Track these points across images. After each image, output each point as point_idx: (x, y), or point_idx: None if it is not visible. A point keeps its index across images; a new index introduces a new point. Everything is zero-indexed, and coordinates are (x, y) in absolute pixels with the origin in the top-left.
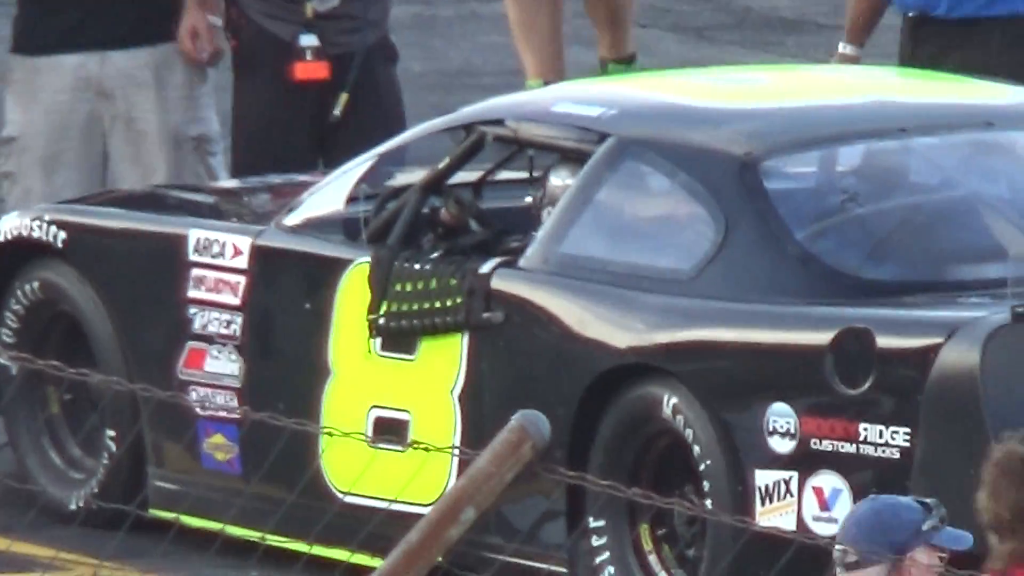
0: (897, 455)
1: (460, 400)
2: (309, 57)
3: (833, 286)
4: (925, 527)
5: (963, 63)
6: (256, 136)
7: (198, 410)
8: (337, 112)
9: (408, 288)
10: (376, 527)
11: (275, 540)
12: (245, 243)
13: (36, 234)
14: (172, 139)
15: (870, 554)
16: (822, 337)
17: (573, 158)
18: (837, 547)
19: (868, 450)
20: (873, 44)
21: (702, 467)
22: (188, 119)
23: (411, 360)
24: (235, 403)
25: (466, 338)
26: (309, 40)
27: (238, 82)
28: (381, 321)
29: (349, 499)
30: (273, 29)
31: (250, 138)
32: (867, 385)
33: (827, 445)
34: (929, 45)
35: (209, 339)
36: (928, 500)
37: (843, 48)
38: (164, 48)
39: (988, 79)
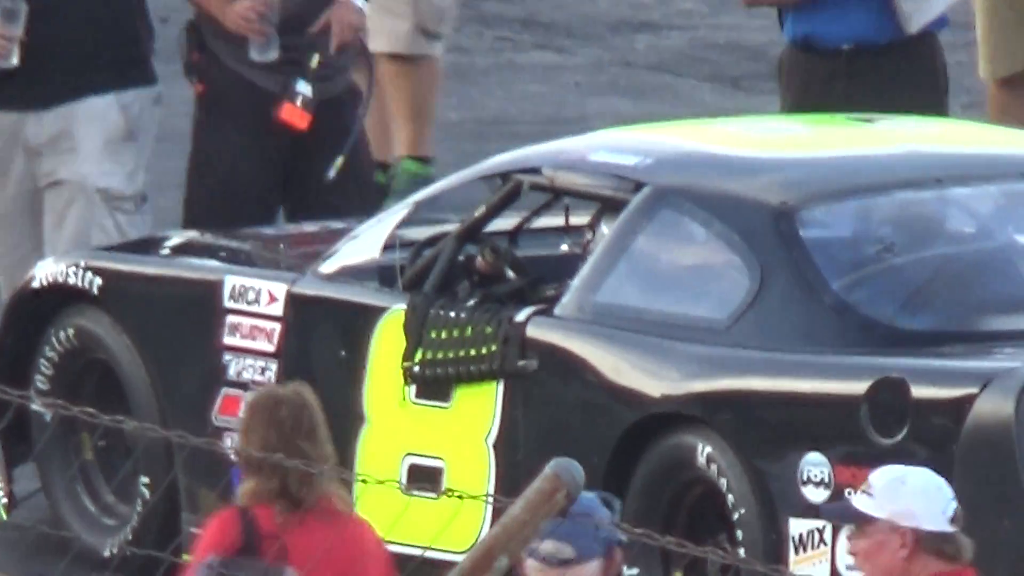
0: None
1: (494, 448)
2: (299, 104)
3: (868, 336)
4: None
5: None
6: (223, 180)
7: (233, 457)
8: (332, 174)
9: (443, 336)
10: (411, 575)
11: None
12: (281, 290)
13: (72, 280)
14: (80, 189)
15: (588, 550)
16: (857, 387)
17: (613, 207)
18: (547, 542)
19: None
20: None
21: (736, 516)
22: (99, 171)
23: (446, 408)
24: None
25: (501, 386)
26: (304, 88)
27: (204, 126)
28: (416, 368)
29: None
30: (251, 77)
31: (215, 181)
32: (902, 435)
33: None
34: (871, 77)
35: (244, 386)
36: (605, 494)
37: None
38: (87, 101)
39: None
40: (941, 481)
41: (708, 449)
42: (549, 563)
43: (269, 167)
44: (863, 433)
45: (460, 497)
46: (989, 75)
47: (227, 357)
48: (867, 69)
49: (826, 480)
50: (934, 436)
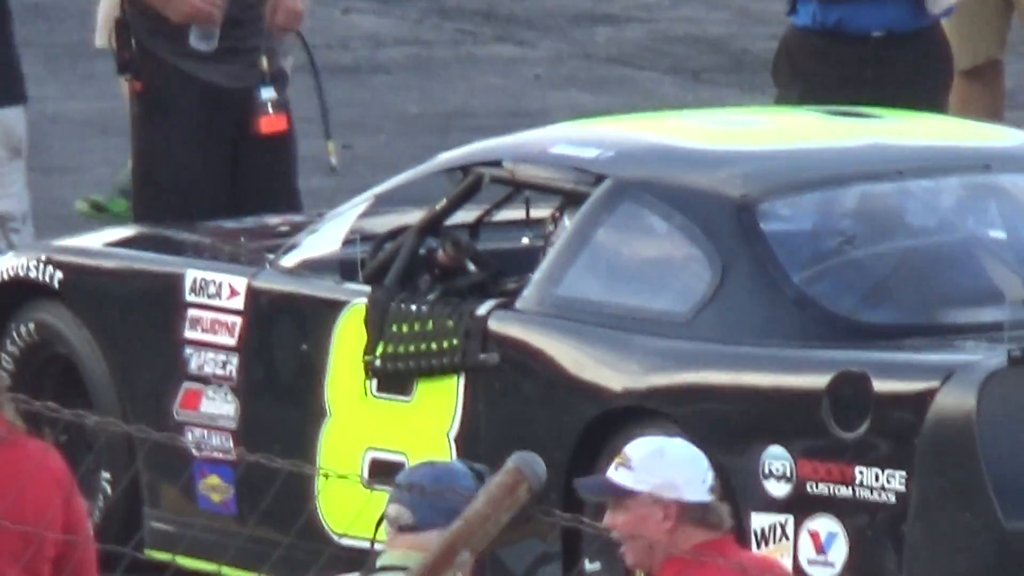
0: (893, 499)
1: (456, 442)
2: (271, 110)
3: (830, 329)
4: None
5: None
6: (170, 176)
7: (194, 451)
8: (335, 161)
9: (404, 329)
10: (372, 569)
11: None
12: (241, 284)
13: (33, 274)
14: None
15: (431, 519)
16: (818, 380)
17: (574, 200)
18: (392, 504)
19: (864, 493)
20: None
21: None
22: None
23: (407, 401)
24: (231, 444)
25: (462, 380)
26: (268, 93)
27: (146, 123)
28: (377, 362)
29: (345, 541)
30: (191, 70)
31: (162, 178)
32: (863, 429)
33: (823, 488)
34: (898, 64)
35: (205, 380)
36: (478, 466)
37: None
38: None
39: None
40: (698, 451)
41: None
42: (391, 525)
43: (216, 161)
44: (824, 427)
45: (422, 492)
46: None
47: (188, 351)
48: (894, 56)
49: (788, 474)
50: (896, 430)
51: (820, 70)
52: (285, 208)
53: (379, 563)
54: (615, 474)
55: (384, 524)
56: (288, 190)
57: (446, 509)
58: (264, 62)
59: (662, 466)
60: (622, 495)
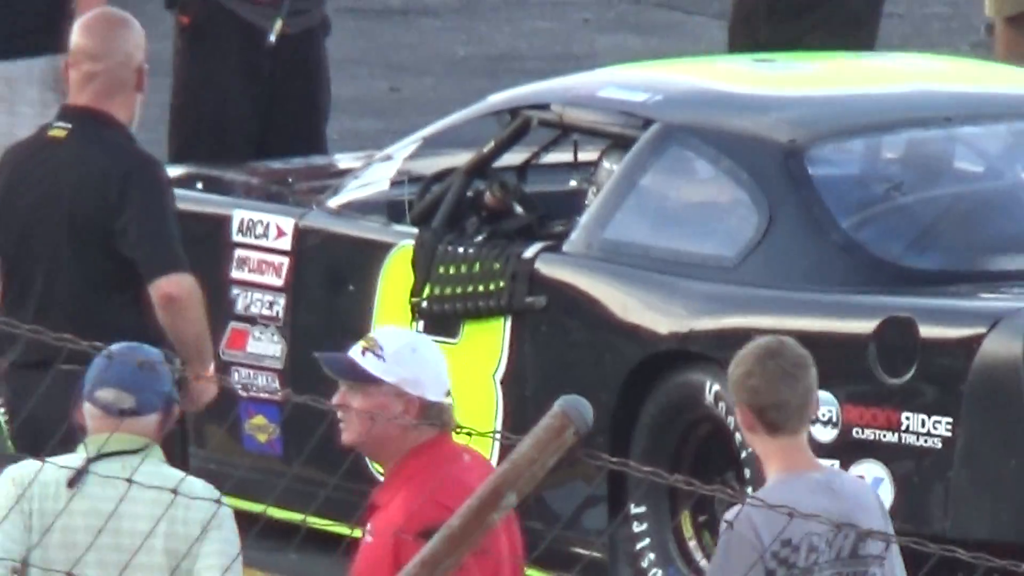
0: (939, 444)
1: (502, 384)
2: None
3: (877, 275)
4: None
5: None
6: (210, 114)
7: (240, 391)
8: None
9: (451, 271)
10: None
11: (316, 523)
12: (289, 224)
13: None
14: None
15: (149, 401)
16: (865, 326)
17: (623, 143)
18: (108, 389)
19: (910, 439)
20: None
21: (744, 454)
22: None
23: (453, 343)
24: (277, 385)
25: (508, 322)
26: (278, 26)
27: (189, 59)
28: (424, 304)
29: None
30: (235, 8)
31: (202, 115)
32: (910, 374)
33: (869, 434)
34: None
35: (252, 320)
36: (168, 352)
37: None
38: (22, 63)
39: None
40: (443, 354)
41: (716, 387)
42: (109, 412)
43: (254, 101)
44: (871, 372)
45: (469, 434)
46: (996, 12)
47: (235, 291)
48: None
49: (834, 419)
50: (942, 376)
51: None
52: (310, 151)
53: (102, 449)
54: (363, 359)
55: (92, 409)
56: (315, 134)
57: (163, 393)
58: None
59: (413, 361)
60: (367, 381)
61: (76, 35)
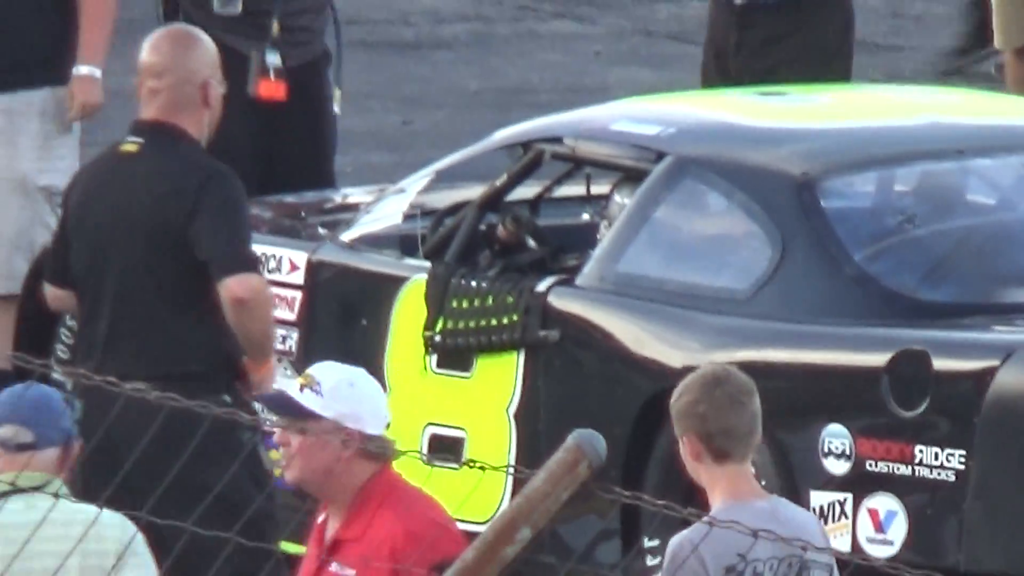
0: (953, 477)
1: (515, 418)
2: (272, 76)
3: (890, 307)
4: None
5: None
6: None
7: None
8: (338, 109)
9: (464, 305)
10: None
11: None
12: (301, 258)
13: None
14: (20, 186)
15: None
16: (878, 359)
17: (636, 176)
18: (6, 426)
19: (924, 472)
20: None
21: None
22: (38, 168)
23: (467, 377)
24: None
25: (522, 356)
26: (273, 59)
27: None
28: (437, 338)
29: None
30: (232, 43)
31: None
32: (923, 407)
33: (882, 467)
34: (760, 33)
35: None
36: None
37: None
38: (22, 95)
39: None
40: (380, 386)
41: None
42: (7, 447)
43: (252, 137)
44: (884, 405)
45: (482, 468)
46: (1004, 45)
47: None
48: (758, 23)
49: (847, 452)
50: (955, 408)
51: (708, 34)
52: (318, 184)
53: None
54: (302, 396)
55: None
56: (321, 167)
57: (62, 429)
58: (275, 27)
59: (351, 396)
60: (308, 417)
61: (143, 51)
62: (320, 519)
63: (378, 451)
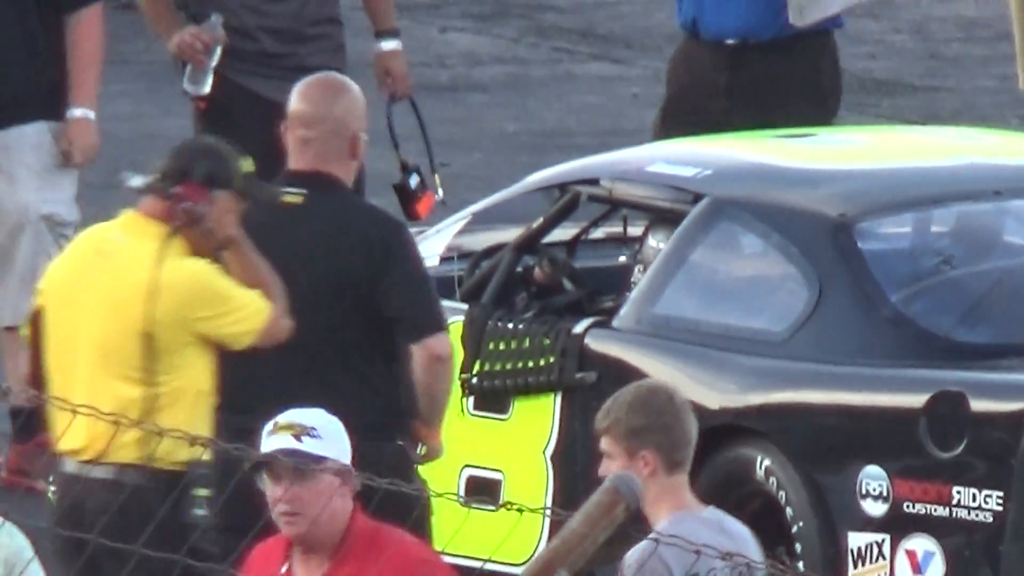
0: (990, 519)
1: (553, 460)
2: (419, 194)
3: (927, 349)
4: None
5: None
6: None
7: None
8: (440, 194)
9: (501, 347)
10: None
11: None
12: None
13: None
14: (24, 217)
15: None
16: (916, 400)
17: (670, 218)
18: None
19: (961, 513)
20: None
21: (795, 528)
22: (40, 199)
23: (504, 419)
24: None
25: (559, 398)
26: (415, 180)
27: None
28: (474, 380)
29: (444, 558)
30: (255, 87)
31: None
32: (960, 448)
33: (920, 508)
34: (754, 73)
35: None
36: None
37: None
38: (13, 131)
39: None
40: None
41: (767, 462)
42: None
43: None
44: (922, 446)
45: (519, 510)
46: None
47: None
48: (751, 64)
49: (885, 493)
50: (993, 449)
51: (685, 73)
52: None
53: None
54: (303, 444)
55: None
56: None
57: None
58: (414, 180)
59: (339, 434)
60: (316, 462)
61: (293, 99)
62: (283, 569)
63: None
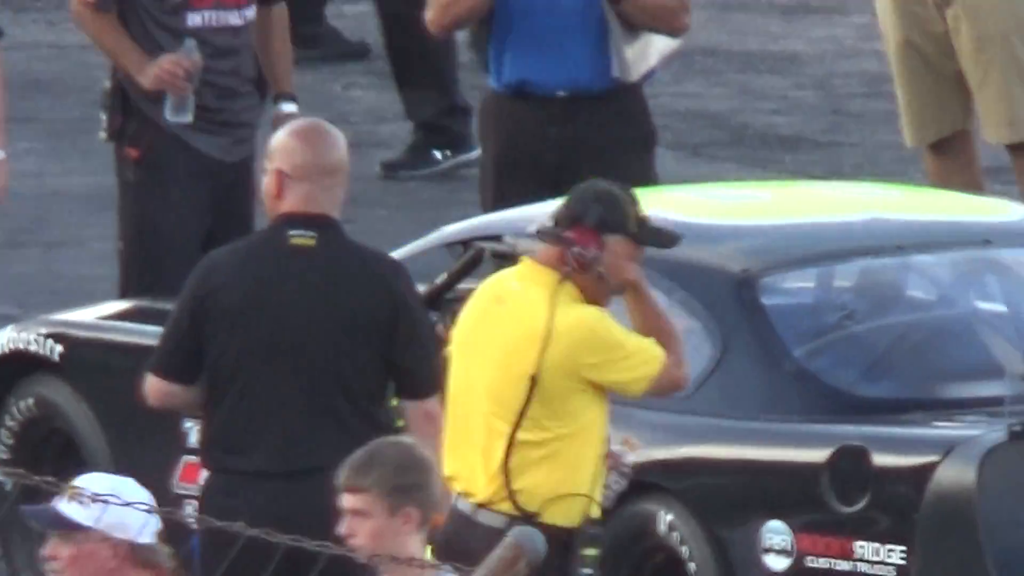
0: (893, 573)
1: None
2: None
3: (830, 403)
4: None
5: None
6: (168, 245)
7: (194, 525)
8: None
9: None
10: None
11: None
12: None
13: (33, 348)
14: None
15: None
16: (818, 455)
17: None
18: None
19: (864, 568)
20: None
21: None
22: None
23: None
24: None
25: None
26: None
27: (145, 191)
28: None
29: None
30: (191, 140)
31: (160, 246)
32: (863, 503)
33: (823, 563)
34: (585, 124)
35: None
36: None
37: None
38: None
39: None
40: (149, 495)
41: (670, 517)
42: None
43: (203, 229)
44: (824, 501)
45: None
46: (919, 142)
47: (187, 424)
48: (578, 116)
49: (788, 548)
50: (896, 504)
51: (511, 130)
52: None
53: None
54: (68, 507)
55: None
56: None
57: None
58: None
59: (116, 507)
60: (74, 528)
61: (305, 146)
62: None
63: (150, 559)
